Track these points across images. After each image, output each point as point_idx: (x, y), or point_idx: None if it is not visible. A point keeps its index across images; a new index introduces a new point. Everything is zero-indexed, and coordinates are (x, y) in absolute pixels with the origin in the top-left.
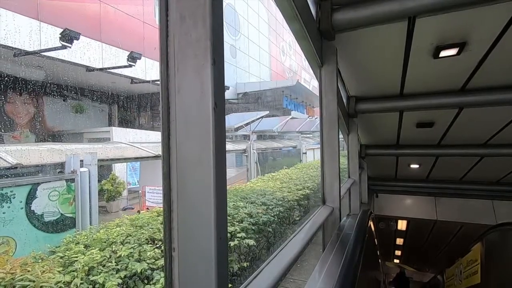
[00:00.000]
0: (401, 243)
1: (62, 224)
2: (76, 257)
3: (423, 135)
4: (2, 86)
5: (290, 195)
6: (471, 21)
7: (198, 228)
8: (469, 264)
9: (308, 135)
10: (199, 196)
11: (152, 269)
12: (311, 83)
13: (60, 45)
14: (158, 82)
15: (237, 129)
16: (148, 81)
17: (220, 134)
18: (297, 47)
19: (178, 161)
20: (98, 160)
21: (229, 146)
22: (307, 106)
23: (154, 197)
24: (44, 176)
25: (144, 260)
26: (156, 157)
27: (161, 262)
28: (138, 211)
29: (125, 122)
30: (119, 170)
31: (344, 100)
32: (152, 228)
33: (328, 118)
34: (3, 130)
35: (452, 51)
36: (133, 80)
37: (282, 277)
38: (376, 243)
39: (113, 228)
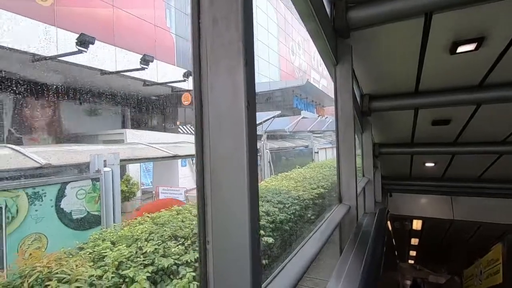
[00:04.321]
0: (416, 243)
1: (89, 222)
2: (105, 252)
3: (439, 132)
4: (22, 90)
5: (305, 194)
6: (489, 15)
7: (232, 222)
8: (489, 264)
9: (319, 135)
10: (232, 191)
11: (177, 265)
12: (321, 82)
13: (77, 49)
14: (170, 84)
15: None
16: (160, 83)
17: (252, 132)
18: (306, 46)
19: (212, 158)
20: (120, 160)
21: None
22: (317, 106)
23: (167, 197)
24: (72, 176)
25: (169, 256)
26: (173, 157)
27: (186, 257)
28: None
29: (138, 124)
30: (133, 170)
31: (358, 98)
32: (173, 226)
33: (343, 117)
34: (22, 132)
35: (470, 47)
36: (145, 82)
37: (303, 275)
38: (394, 243)
39: (136, 226)
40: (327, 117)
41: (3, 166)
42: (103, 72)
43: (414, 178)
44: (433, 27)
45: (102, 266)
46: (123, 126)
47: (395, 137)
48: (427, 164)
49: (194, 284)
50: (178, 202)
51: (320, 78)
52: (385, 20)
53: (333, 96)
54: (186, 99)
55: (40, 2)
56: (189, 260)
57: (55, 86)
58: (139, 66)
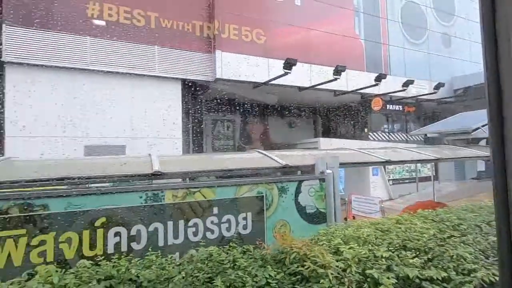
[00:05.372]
0: None
1: (317, 217)
2: (341, 248)
3: None
4: (245, 110)
5: None
6: None
7: None
8: None
9: None
10: None
11: (420, 279)
12: None
13: (283, 72)
14: (359, 92)
15: (473, 131)
16: (350, 91)
17: None
18: None
19: None
20: (339, 164)
21: (463, 152)
22: None
23: (359, 206)
24: (305, 175)
25: (407, 266)
26: (385, 162)
27: (429, 273)
28: (345, 218)
29: (328, 132)
30: None
31: None
32: (398, 236)
33: None
34: (245, 143)
35: None
36: (335, 92)
37: None
38: None
39: (359, 229)
40: None
41: (260, 165)
42: (301, 89)
43: None
44: None
45: (343, 260)
46: (316, 135)
47: None
48: None
49: None
50: (440, 204)
51: None
52: None
53: None
54: (377, 104)
55: (257, 41)
56: (434, 278)
57: (266, 105)
58: (331, 78)
